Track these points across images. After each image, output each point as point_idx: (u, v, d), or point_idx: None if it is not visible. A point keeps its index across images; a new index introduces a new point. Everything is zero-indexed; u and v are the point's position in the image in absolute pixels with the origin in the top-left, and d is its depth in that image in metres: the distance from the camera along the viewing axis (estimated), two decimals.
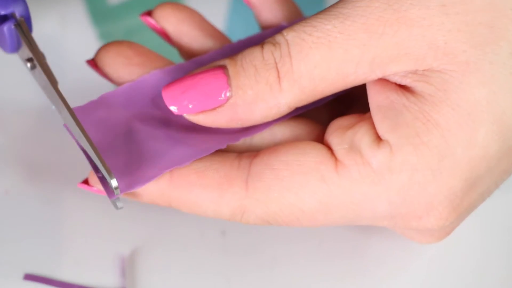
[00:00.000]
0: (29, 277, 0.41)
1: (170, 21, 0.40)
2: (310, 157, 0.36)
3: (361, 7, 0.34)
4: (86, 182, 0.39)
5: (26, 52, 0.38)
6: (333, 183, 0.35)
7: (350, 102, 0.40)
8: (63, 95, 0.36)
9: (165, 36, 0.40)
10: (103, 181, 0.36)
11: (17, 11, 0.38)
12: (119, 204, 0.37)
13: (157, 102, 0.38)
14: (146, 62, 0.39)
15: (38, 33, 0.48)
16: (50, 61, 0.50)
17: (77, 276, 0.42)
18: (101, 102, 0.38)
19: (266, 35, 0.40)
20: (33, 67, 0.38)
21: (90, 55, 0.50)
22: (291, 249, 0.43)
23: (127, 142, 0.37)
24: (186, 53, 0.40)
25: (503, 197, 0.43)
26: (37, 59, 0.38)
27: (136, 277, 0.42)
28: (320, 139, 0.37)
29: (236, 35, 0.52)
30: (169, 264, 0.42)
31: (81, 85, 0.49)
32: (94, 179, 0.38)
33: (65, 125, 0.37)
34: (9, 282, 0.41)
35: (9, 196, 0.45)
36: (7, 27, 0.38)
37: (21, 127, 0.48)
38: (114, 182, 0.35)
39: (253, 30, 0.42)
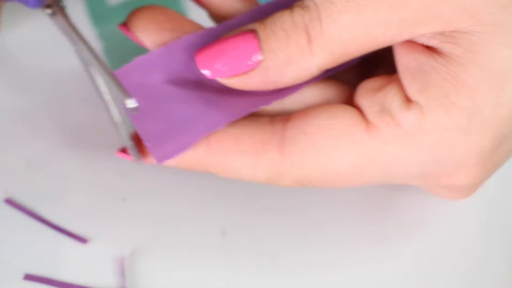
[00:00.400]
0: (29, 277, 0.41)
1: None
2: (342, 120, 0.37)
3: None
4: (124, 150, 0.39)
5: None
6: (365, 145, 0.36)
7: (376, 63, 0.40)
8: (84, 36, 0.37)
9: None
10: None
11: None
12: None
13: (190, 65, 0.38)
14: (177, 27, 0.39)
15: (38, 33, 0.48)
16: (50, 61, 0.50)
17: (77, 276, 0.42)
18: (136, 66, 0.38)
19: None
20: (53, 13, 0.38)
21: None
22: (291, 249, 0.43)
23: (163, 106, 0.38)
24: (216, 15, 0.40)
25: None
26: (55, 4, 0.38)
27: (136, 277, 0.42)
28: (349, 101, 0.38)
29: None
30: (169, 264, 0.42)
31: (81, 85, 0.49)
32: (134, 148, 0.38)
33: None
34: (9, 282, 0.41)
35: (9, 196, 0.45)
36: None
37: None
38: (131, 103, 0.34)
39: None
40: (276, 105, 0.39)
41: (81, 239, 0.43)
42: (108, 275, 0.42)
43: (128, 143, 0.38)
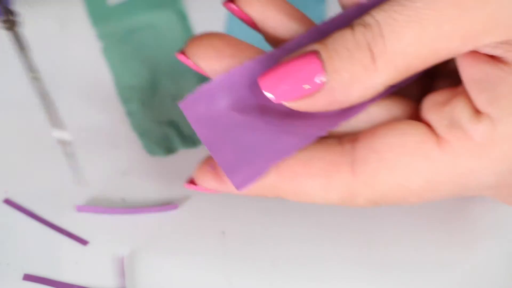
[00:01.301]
0: (29, 277, 0.41)
1: (254, 7, 0.39)
2: (412, 136, 0.36)
3: None
4: (192, 181, 0.39)
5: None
6: (437, 160, 0.36)
7: (437, 73, 0.40)
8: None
9: (250, 22, 0.40)
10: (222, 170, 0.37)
11: None
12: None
13: (254, 91, 0.38)
14: (237, 53, 0.38)
15: (38, 33, 0.48)
16: (50, 61, 0.50)
17: (77, 277, 0.42)
18: (199, 96, 0.38)
19: (348, 15, 0.40)
20: (8, 28, 0.40)
21: (90, 54, 0.50)
22: (291, 250, 0.43)
23: (231, 135, 0.37)
24: (272, 38, 0.40)
25: None
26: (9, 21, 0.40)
27: (136, 277, 0.42)
28: (415, 115, 0.38)
29: (236, 35, 0.52)
30: (169, 264, 0.42)
31: (81, 84, 0.49)
32: (202, 177, 0.38)
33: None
34: (9, 282, 0.41)
35: (9, 196, 0.45)
36: None
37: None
38: (55, 134, 0.35)
39: (253, 30, 0.41)
40: (343, 126, 0.38)
41: (81, 240, 0.43)
42: (108, 275, 0.42)
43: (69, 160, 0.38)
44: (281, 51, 0.39)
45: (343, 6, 0.41)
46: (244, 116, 0.38)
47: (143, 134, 0.48)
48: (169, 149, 0.48)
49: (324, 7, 0.54)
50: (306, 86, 0.35)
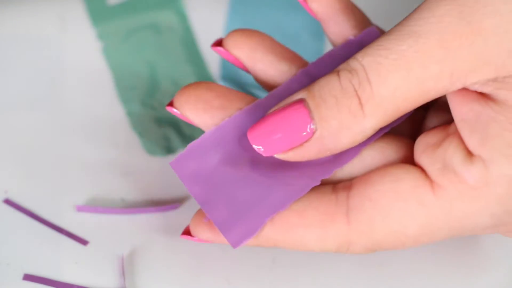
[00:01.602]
0: (29, 277, 0.41)
1: (242, 49, 0.39)
2: (405, 182, 0.36)
3: (433, 23, 0.34)
4: (187, 232, 0.39)
5: None
6: (432, 206, 0.36)
7: (428, 103, 0.40)
8: None
9: (239, 64, 0.40)
10: (220, 226, 0.37)
11: None
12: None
13: (243, 144, 0.38)
14: (226, 103, 0.38)
15: (38, 33, 0.48)
16: (50, 61, 0.50)
17: (77, 276, 0.42)
18: (189, 154, 0.38)
19: (335, 54, 0.39)
20: None
21: (90, 54, 0.50)
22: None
23: (224, 191, 0.37)
24: (262, 78, 0.40)
25: None
26: None
27: (136, 277, 0.42)
28: (408, 155, 0.38)
29: None
30: (169, 264, 0.42)
31: (81, 84, 0.49)
32: (198, 228, 0.38)
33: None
34: (9, 282, 0.41)
35: (9, 196, 0.44)
36: None
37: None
38: None
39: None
40: (336, 172, 0.38)
41: (81, 240, 0.43)
42: (108, 275, 0.42)
43: None
44: (269, 100, 0.39)
45: (333, 43, 0.41)
46: (235, 171, 0.38)
47: (143, 134, 0.48)
48: (169, 149, 0.48)
49: None
50: (295, 137, 0.35)
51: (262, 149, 0.36)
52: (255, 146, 0.36)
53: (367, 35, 0.39)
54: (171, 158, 0.47)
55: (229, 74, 0.51)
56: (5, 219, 0.44)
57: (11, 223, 0.44)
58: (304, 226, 0.37)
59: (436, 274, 0.42)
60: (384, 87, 0.34)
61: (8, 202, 0.44)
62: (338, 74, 0.35)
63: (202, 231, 0.38)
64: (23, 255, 0.42)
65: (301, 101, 0.35)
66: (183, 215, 0.44)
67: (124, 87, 0.50)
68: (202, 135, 0.38)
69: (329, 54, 0.40)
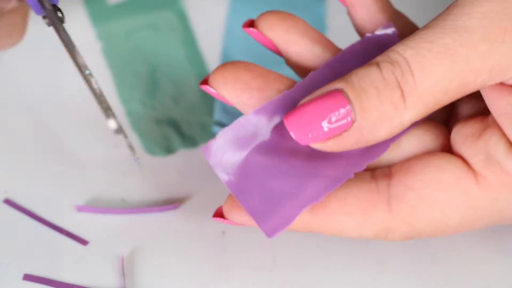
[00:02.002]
0: (29, 277, 0.41)
1: (276, 31, 0.39)
2: (449, 173, 0.36)
3: (477, 19, 0.34)
4: (219, 214, 0.39)
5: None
6: (476, 197, 0.36)
7: None
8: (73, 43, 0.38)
9: (271, 46, 0.40)
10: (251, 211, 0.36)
11: None
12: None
13: (277, 133, 0.38)
14: (264, 84, 0.38)
15: (38, 33, 0.48)
16: (49, 60, 0.50)
17: (77, 277, 0.42)
18: (221, 140, 0.37)
19: (355, 49, 0.39)
20: (49, 25, 0.40)
21: (90, 54, 0.50)
22: (291, 249, 0.43)
23: (256, 181, 0.37)
24: (295, 61, 0.40)
25: None
26: (48, 17, 0.40)
27: (136, 277, 0.42)
28: (446, 142, 0.38)
29: (236, 36, 0.52)
30: (169, 264, 0.42)
31: (82, 84, 0.49)
32: (232, 212, 0.38)
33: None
34: (9, 282, 0.41)
35: (9, 196, 0.44)
36: None
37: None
38: (112, 124, 0.35)
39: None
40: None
41: (81, 240, 0.43)
42: (108, 275, 0.42)
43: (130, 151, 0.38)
44: (296, 91, 0.38)
45: (359, 28, 0.41)
46: (269, 160, 0.37)
47: (143, 134, 0.48)
48: (169, 149, 0.48)
49: (324, 7, 0.54)
50: (334, 126, 0.35)
51: (299, 138, 0.36)
52: (292, 134, 0.36)
53: (384, 32, 0.39)
54: (171, 158, 0.47)
55: None
56: (5, 219, 0.44)
57: (11, 223, 0.44)
58: (344, 213, 0.37)
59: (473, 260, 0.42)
60: (427, 80, 0.34)
61: (8, 202, 0.44)
62: (378, 66, 0.35)
63: (237, 215, 0.38)
64: (23, 255, 0.42)
65: (339, 91, 0.35)
66: (183, 215, 0.44)
67: (124, 87, 0.50)
68: (234, 122, 0.38)
69: (349, 50, 0.40)
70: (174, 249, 0.43)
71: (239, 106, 0.38)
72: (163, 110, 0.49)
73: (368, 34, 0.40)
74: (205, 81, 0.39)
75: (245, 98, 0.38)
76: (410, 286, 0.42)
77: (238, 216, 0.38)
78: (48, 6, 0.39)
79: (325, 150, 0.36)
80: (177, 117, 0.49)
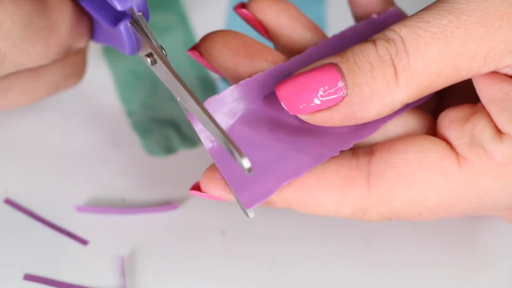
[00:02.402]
0: (29, 277, 0.41)
1: (267, 14, 0.39)
2: (431, 153, 0.36)
3: (476, 2, 0.34)
4: (197, 188, 0.38)
5: (144, 48, 0.37)
6: (456, 179, 0.36)
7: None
8: (187, 85, 0.35)
9: (261, 29, 0.40)
10: (235, 186, 0.36)
11: (135, 5, 0.36)
12: (250, 214, 0.36)
13: (265, 103, 0.38)
14: (252, 52, 0.38)
15: None
16: None
17: (77, 277, 0.42)
18: (208, 107, 0.37)
19: (358, 29, 0.39)
20: (153, 63, 0.37)
21: (90, 54, 0.50)
22: (291, 249, 0.43)
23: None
24: (284, 46, 0.40)
25: None
26: (156, 54, 0.37)
27: (136, 277, 0.42)
28: (431, 129, 0.38)
29: None
30: (169, 264, 0.42)
31: (81, 85, 0.49)
32: (210, 184, 0.37)
33: (189, 115, 0.36)
34: (9, 282, 0.41)
35: (9, 196, 0.44)
36: (123, 26, 0.37)
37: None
38: (246, 163, 0.33)
39: (253, 30, 0.41)
40: None
41: (81, 240, 0.43)
42: (108, 275, 0.42)
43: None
44: (292, 63, 0.38)
45: (357, 15, 0.41)
46: (253, 131, 0.37)
47: (143, 134, 0.48)
48: (169, 149, 0.48)
49: (324, 7, 0.54)
50: (325, 99, 0.35)
51: (289, 107, 0.36)
52: (282, 103, 0.36)
53: (391, 15, 0.40)
54: (171, 158, 0.47)
55: None
56: (5, 219, 0.44)
57: (11, 223, 0.44)
58: (322, 188, 0.36)
59: (436, 268, 0.42)
60: (421, 59, 0.34)
61: (8, 202, 0.44)
62: (374, 43, 0.35)
63: (214, 188, 0.37)
64: (23, 255, 0.42)
65: (333, 65, 0.35)
66: (183, 215, 0.44)
67: (124, 87, 0.50)
68: (223, 91, 0.37)
69: (352, 29, 0.40)
70: (174, 249, 0.43)
71: (224, 73, 0.38)
72: (163, 110, 0.49)
73: (374, 15, 0.40)
74: (193, 47, 0.38)
75: (231, 64, 0.38)
76: (409, 286, 0.42)
77: (216, 189, 0.37)
78: (155, 43, 0.37)
79: (313, 122, 0.36)
80: (177, 117, 0.49)
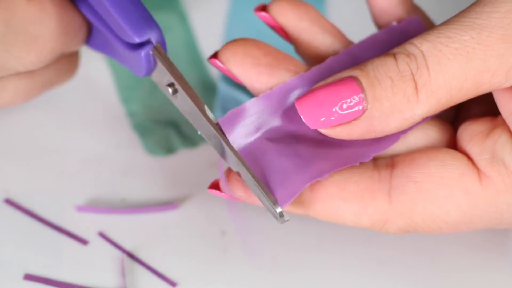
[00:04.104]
0: (29, 277, 0.41)
1: (288, 17, 0.39)
2: (452, 168, 0.36)
3: (498, 18, 0.34)
4: (216, 187, 0.38)
5: (165, 77, 0.37)
6: (477, 195, 0.36)
7: None
8: (211, 118, 0.36)
9: (282, 32, 0.40)
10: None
11: (153, 38, 0.37)
12: (286, 217, 0.36)
13: (287, 117, 0.38)
14: (274, 62, 0.38)
15: None
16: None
17: (77, 276, 0.42)
18: (228, 120, 0.37)
19: (378, 38, 0.39)
20: (174, 92, 0.37)
21: (90, 55, 0.50)
22: (291, 249, 0.43)
23: (261, 161, 0.37)
24: (303, 49, 0.40)
25: None
26: (180, 84, 0.37)
27: (136, 277, 0.42)
28: (451, 139, 0.38)
29: (236, 36, 0.53)
30: (169, 264, 0.42)
31: (81, 85, 0.49)
32: (230, 185, 0.38)
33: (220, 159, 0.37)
34: (9, 282, 0.41)
35: (9, 196, 0.44)
36: (145, 53, 0.37)
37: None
38: (278, 210, 0.35)
39: (253, 30, 0.42)
40: None
41: (81, 240, 0.43)
42: (108, 275, 0.42)
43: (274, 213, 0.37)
44: (313, 74, 0.38)
45: (377, 20, 0.41)
46: (273, 144, 0.37)
47: (143, 134, 0.48)
48: (169, 149, 0.48)
49: (324, 7, 0.54)
50: (345, 113, 0.35)
51: (309, 121, 0.36)
52: (302, 117, 0.36)
53: (411, 23, 0.39)
54: (171, 158, 0.47)
55: None
56: (5, 219, 0.44)
57: (11, 223, 0.44)
58: (343, 199, 0.37)
59: (436, 268, 0.42)
60: (442, 75, 0.34)
61: (8, 202, 0.44)
62: (394, 57, 0.35)
63: (234, 188, 0.37)
64: (23, 255, 0.42)
65: (353, 78, 0.35)
66: (183, 215, 0.44)
67: (124, 87, 0.50)
68: (244, 103, 0.37)
69: (372, 38, 0.39)
70: (174, 249, 0.43)
71: (247, 82, 0.38)
72: (163, 110, 0.49)
73: (394, 24, 0.40)
74: (214, 56, 0.38)
75: (254, 74, 0.38)
76: (409, 286, 0.42)
77: (235, 190, 0.37)
78: (178, 73, 0.37)
79: (333, 136, 0.36)
80: (177, 117, 0.49)
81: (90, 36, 0.41)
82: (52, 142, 0.47)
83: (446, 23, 0.35)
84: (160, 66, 0.37)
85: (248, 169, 0.35)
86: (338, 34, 0.39)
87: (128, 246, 0.43)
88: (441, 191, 0.36)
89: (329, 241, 0.43)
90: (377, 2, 0.40)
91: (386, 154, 0.38)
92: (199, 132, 0.37)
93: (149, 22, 0.37)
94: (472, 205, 0.36)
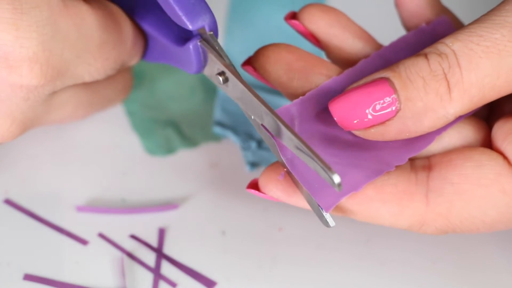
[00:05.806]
0: (29, 277, 0.41)
1: (319, 24, 0.39)
2: (489, 169, 0.36)
3: None
4: (255, 186, 0.38)
5: (215, 66, 0.37)
6: None
7: None
8: (265, 101, 0.35)
9: (313, 39, 0.40)
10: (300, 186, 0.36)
11: (207, 24, 0.37)
12: (331, 223, 0.37)
13: (319, 120, 0.38)
14: (306, 67, 0.38)
15: None
16: None
17: (77, 276, 0.42)
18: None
19: (408, 40, 0.39)
20: (225, 81, 0.37)
21: None
22: (291, 249, 0.43)
23: (298, 166, 0.37)
24: (335, 55, 0.40)
25: None
26: (230, 71, 0.36)
27: (136, 277, 0.42)
28: (486, 138, 0.38)
29: (236, 36, 0.52)
30: (169, 264, 0.42)
31: None
32: (269, 185, 0.37)
33: (262, 126, 0.36)
34: (9, 282, 0.41)
35: (9, 196, 0.45)
36: (193, 45, 0.37)
37: None
38: (336, 178, 0.33)
39: (253, 30, 0.41)
40: None
41: (81, 240, 0.43)
42: (108, 275, 0.42)
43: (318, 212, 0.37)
44: (345, 78, 0.38)
45: (406, 22, 0.41)
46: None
47: (143, 134, 0.48)
48: (169, 149, 0.48)
49: None
50: (378, 114, 0.35)
51: (343, 123, 0.36)
52: (336, 119, 0.36)
53: (440, 24, 0.40)
54: (171, 158, 0.47)
55: None
56: (5, 219, 0.44)
57: (11, 223, 0.44)
58: (380, 201, 0.37)
59: (436, 268, 0.42)
60: (474, 74, 0.34)
61: (8, 202, 0.44)
62: (426, 57, 0.35)
63: (274, 189, 0.37)
64: (23, 255, 0.42)
65: (385, 79, 0.35)
66: (183, 215, 0.44)
67: None
68: (278, 109, 0.37)
69: (403, 40, 0.40)
70: (173, 249, 0.43)
71: (279, 87, 0.38)
72: (163, 110, 0.49)
73: (423, 25, 0.40)
74: (247, 62, 0.39)
75: (286, 79, 0.38)
76: (409, 286, 0.42)
77: (274, 190, 0.37)
78: (228, 61, 0.37)
79: (367, 137, 0.36)
80: (177, 117, 0.49)
81: (145, 51, 0.41)
82: (52, 142, 0.47)
83: (476, 22, 0.35)
84: (210, 56, 0.37)
85: (306, 145, 0.34)
86: (369, 38, 0.40)
87: (128, 246, 0.43)
88: (478, 191, 0.36)
89: (329, 241, 0.43)
90: (406, 5, 0.40)
91: (423, 154, 0.38)
92: (252, 117, 0.36)
93: (204, 9, 0.36)
94: (509, 204, 0.36)
